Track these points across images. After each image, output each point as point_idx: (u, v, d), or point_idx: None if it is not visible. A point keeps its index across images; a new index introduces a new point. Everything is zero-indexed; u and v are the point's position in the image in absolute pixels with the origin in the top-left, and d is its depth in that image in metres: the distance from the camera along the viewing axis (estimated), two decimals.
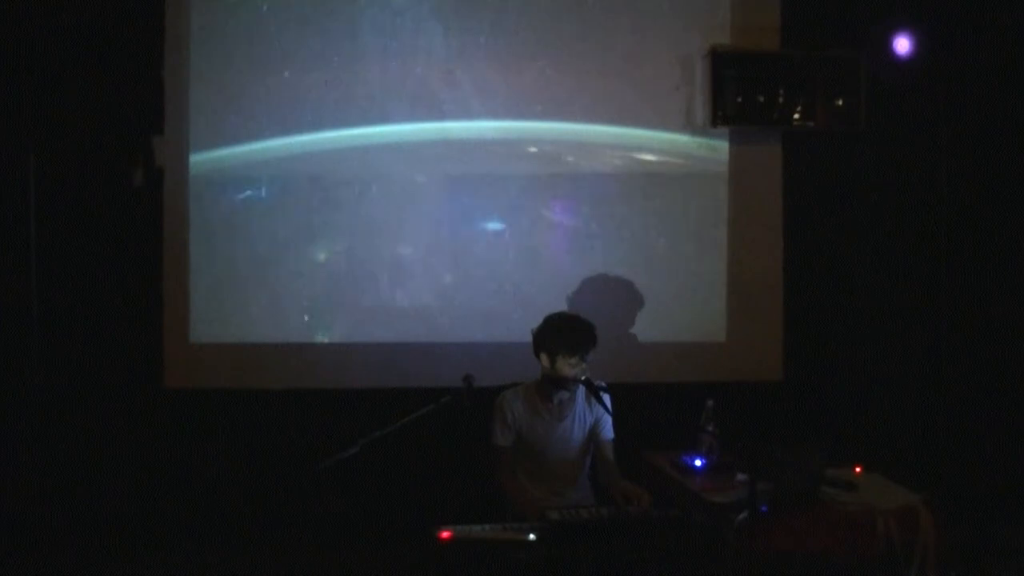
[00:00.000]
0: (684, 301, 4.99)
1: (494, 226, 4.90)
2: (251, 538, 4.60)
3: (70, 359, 4.63)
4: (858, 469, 3.85)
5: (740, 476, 3.68)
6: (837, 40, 4.85)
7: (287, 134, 4.79)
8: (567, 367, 3.77)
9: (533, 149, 4.91)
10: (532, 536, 3.15)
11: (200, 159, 4.75)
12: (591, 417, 3.95)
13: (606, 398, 3.82)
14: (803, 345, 5.03)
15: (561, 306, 4.70)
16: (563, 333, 3.81)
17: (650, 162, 4.97)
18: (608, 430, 3.96)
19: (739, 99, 4.76)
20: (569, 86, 4.90)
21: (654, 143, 4.96)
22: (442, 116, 4.83)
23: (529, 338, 3.93)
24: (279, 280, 4.81)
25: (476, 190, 4.88)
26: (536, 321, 3.96)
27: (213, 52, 4.74)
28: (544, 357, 3.84)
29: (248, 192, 4.79)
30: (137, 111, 4.64)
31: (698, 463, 3.93)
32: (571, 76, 4.90)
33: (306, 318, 4.83)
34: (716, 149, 4.98)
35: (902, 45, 4.83)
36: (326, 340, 4.83)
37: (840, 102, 4.81)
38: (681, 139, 4.97)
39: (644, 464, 4.21)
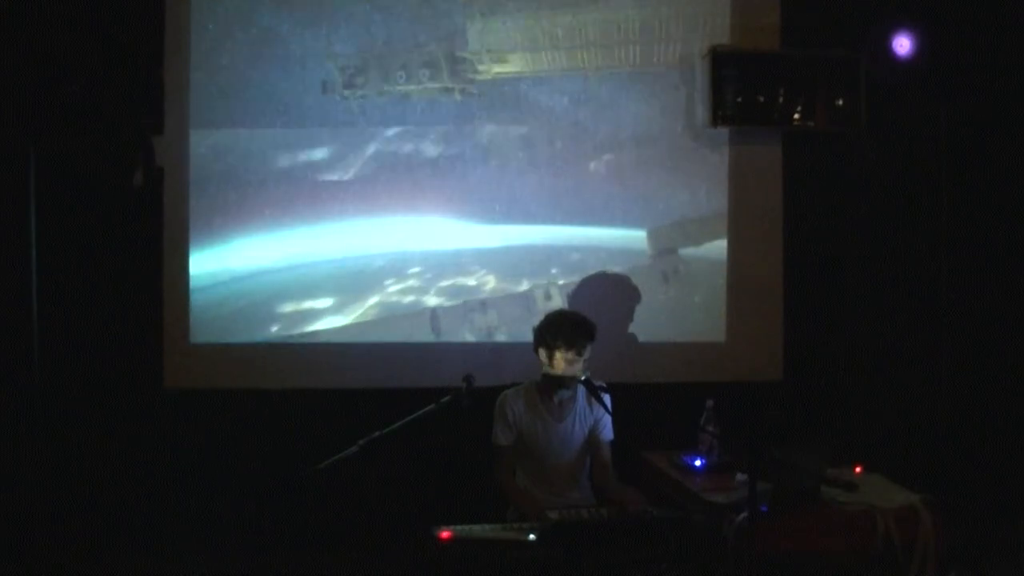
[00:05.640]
0: (684, 301, 4.99)
1: (495, 227, 4.90)
2: (251, 538, 4.60)
3: (70, 359, 4.62)
4: (858, 469, 3.85)
5: (740, 476, 3.68)
6: (837, 40, 4.85)
7: (288, 134, 4.79)
8: (564, 362, 3.78)
9: (528, 149, 4.91)
10: (532, 536, 3.15)
11: (200, 159, 4.75)
12: (591, 417, 3.95)
13: (606, 398, 3.82)
14: (803, 345, 5.03)
15: (562, 306, 4.72)
16: (561, 327, 3.83)
17: (650, 162, 4.97)
18: (608, 431, 3.96)
19: (739, 99, 4.76)
20: (568, 86, 4.91)
21: (654, 143, 4.96)
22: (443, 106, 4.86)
23: (530, 338, 3.95)
24: (278, 280, 4.81)
25: (475, 188, 4.88)
26: (536, 321, 3.98)
27: (213, 51, 4.74)
28: (543, 353, 3.86)
29: (248, 192, 4.79)
30: (137, 111, 4.63)
31: (698, 463, 3.93)
32: (569, 77, 4.90)
33: (306, 318, 4.83)
34: (716, 149, 4.99)
35: (902, 45, 4.83)
36: (326, 340, 4.83)
37: (840, 102, 4.82)
38: (681, 139, 4.97)
39: (644, 464, 4.21)
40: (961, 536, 3.93)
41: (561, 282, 4.91)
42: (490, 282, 4.90)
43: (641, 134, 4.95)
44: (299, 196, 4.81)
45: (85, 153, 4.61)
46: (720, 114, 4.76)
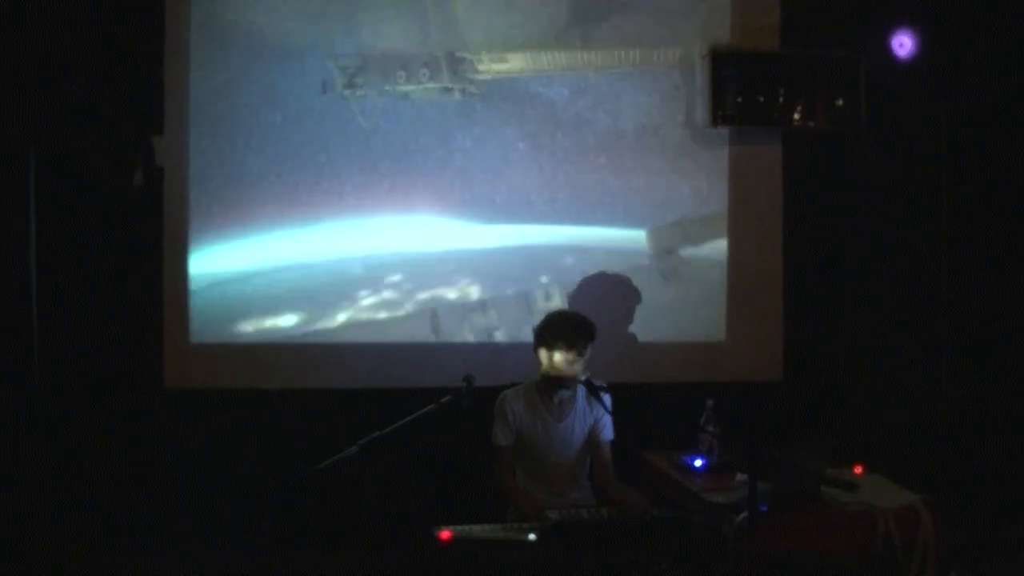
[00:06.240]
0: (684, 301, 4.99)
1: (495, 227, 4.90)
2: (251, 538, 4.60)
3: (70, 359, 4.62)
4: (858, 469, 3.85)
5: (740, 476, 3.68)
6: (837, 40, 4.85)
7: (288, 133, 4.79)
8: (564, 363, 3.78)
9: (528, 150, 4.91)
10: (532, 536, 3.15)
11: (200, 159, 4.75)
12: (591, 417, 3.95)
13: (606, 398, 3.82)
14: (803, 345, 5.03)
15: (562, 306, 4.72)
16: (561, 327, 3.83)
17: (650, 162, 4.97)
18: (608, 430, 3.96)
19: (739, 99, 4.77)
20: (568, 86, 4.91)
21: (654, 143, 4.96)
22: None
23: (530, 338, 3.95)
24: (279, 280, 4.81)
25: (475, 188, 4.88)
26: (536, 321, 3.99)
27: (213, 52, 4.74)
28: (543, 353, 3.86)
29: (248, 191, 4.79)
30: (137, 111, 4.63)
31: (698, 463, 3.93)
32: (569, 77, 4.90)
33: (306, 318, 4.83)
34: (716, 149, 4.98)
35: (902, 45, 4.83)
36: (326, 340, 4.83)
37: (840, 102, 4.82)
38: (681, 139, 4.97)
39: (644, 464, 4.21)
40: (961, 536, 3.93)
41: (561, 282, 4.91)
42: (490, 282, 4.90)
43: (641, 134, 4.95)
44: (299, 196, 4.80)
45: (85, 153, 4.61)
46: (720, 114, 4.77)
